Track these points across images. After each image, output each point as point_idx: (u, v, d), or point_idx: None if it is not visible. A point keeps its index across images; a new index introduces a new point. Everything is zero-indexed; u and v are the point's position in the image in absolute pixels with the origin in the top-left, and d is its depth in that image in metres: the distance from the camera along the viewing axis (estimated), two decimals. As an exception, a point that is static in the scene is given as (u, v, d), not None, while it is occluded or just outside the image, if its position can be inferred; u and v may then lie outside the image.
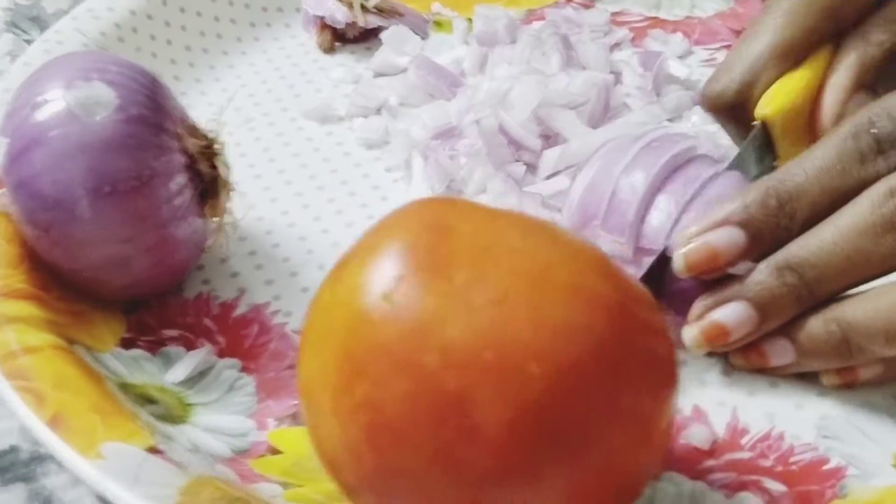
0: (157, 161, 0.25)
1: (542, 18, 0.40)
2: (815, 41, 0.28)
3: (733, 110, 0.28)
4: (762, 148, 0.28)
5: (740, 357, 0.25)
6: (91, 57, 0.26)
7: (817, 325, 0.23)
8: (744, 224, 0.24)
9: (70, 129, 0.24)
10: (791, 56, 0.28)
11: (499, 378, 0.17)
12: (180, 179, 0.25)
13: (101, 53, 0.27)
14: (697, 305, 0.24)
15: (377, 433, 0.18)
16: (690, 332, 0.24)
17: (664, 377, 0.20)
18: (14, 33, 0.41)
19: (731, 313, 0.24)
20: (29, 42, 0.40)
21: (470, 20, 0.40)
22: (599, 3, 0.41)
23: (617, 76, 0.36)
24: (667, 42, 0.39)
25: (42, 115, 0.24)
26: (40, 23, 0.41)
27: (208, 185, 0.27)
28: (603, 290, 0.19)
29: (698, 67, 0.37)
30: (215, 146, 0.27)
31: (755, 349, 0.24)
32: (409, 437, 0.18)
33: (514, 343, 0.18)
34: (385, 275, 0.18)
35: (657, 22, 0.40)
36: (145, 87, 0.25)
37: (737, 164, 0.28)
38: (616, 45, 0.39)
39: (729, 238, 0.24)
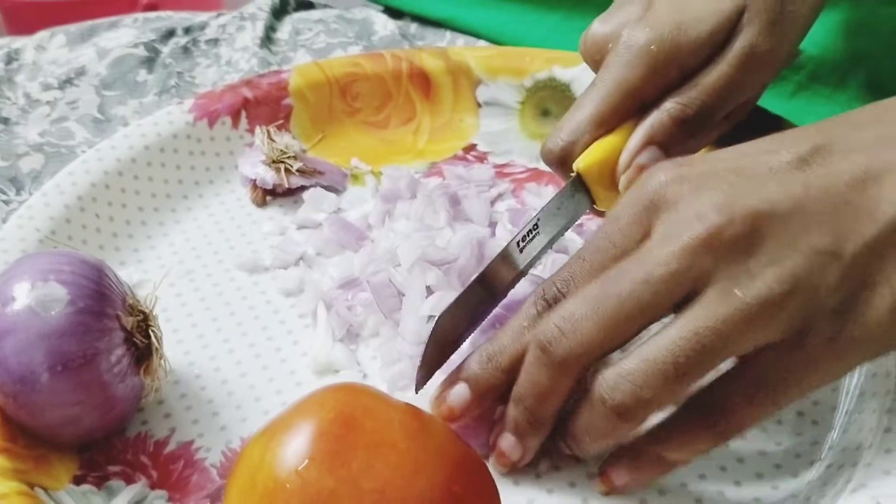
0: (100, 341, 0.32)
1: (440, 172, 0.48)
2: (623, 114, 0.36)
3: (561, 163, 0.37)
4: (579, 192, 0.37)
5: (492, 461, 0.33)
6: (49, 258, 0.33)
7: (561, 442, 0.32)
8: (465, 379, 0.32)
9: (32, 322, 0.31)
10: (603, 125, 0.36)
11: None
12: (119, 352, 0.33)
13: (58, 253, 0.34)
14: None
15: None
16: None
17: None
18: (-5, 194, 0.48)
19: (503, 443, 0.32)
20: (7, 203, 0.47)
21: (380, 174, 0.48)
22: (491, 155, 0.49)
23: (493, 227, 0.44)
24: (539, 195, 0.46)
25: (10, 310, 0.31)
26: (17, 183, 0.48)
27: (143, 350, 0.34)
28: (449, 474, 0.26)
29: (563, 218, 0.45)
30: (149, 319, 0.34)
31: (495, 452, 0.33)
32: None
33: None
34: (300, 453, 0.25)
35: (535, 174, 0.48)
36: (92, 282, 0.33)
37: (556, 201, 0.36)
38: (499, 197, 0.46)
39: (458, 393, 0.32)
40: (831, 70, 0.50)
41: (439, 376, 0.34)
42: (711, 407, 0.29)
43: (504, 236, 0.42)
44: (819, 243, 0.28)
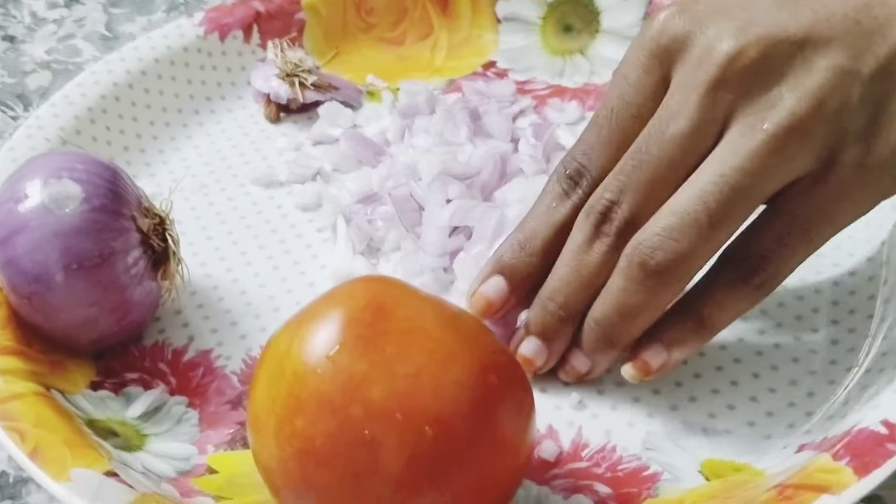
0: (116, 241, 0.31)
1: (460, 88, 0.46)
2: None
3: None
4: None
5: (562, 373, 0.32)
6: (62, 157, 0.32)
7: (586, 331, 0.30)
8: (500, 270, 0.31)
9: (46, 220, 0.30)
10: None
11: (403, 434, 0.23)
12: (136, 253, 0.32)
13: (70, 153, 0.32)
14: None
15: (305, 457, 0.24)
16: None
17: (525, 414, 0.25)
18: (1, 110, 0.47)
19: (526, 347, 0.31)
20: (14, 119, 0.46)
21: (397, 90, 0.46)
22: (511, 73, 0.48)
23: (516, 143, 0.42)
24: (562, 110, 0.45)
25: (23, 208, 0.30)
26: (24, 99, 0.47)
27: (160, 255, 0.33)
28: (486, 362, 0.24)
29: (587, 133, 0.44)
30: (165, 223, 0.33)
31: (564, 366, 0.31)
32: (328, 464, 0.24)
33: (419, 409, 0.23)
34: (330, 339, 0.24)
35: (557, 90, 0.46)
36: (106, 181, 0.31)
37: None
38: (520, 113, 0.45)
39: (494, 285, 0.31)
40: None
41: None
42: (745, 259, 0.28)
43: (528, 152, 0.41)
44: (836, 62, 0.26)
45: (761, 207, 0.29)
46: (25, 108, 0.47)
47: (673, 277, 0.28)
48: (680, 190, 0.28)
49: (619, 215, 0.29)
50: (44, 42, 0.51)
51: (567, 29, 0.49)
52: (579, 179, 0.30)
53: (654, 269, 0.27)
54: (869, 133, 0.27)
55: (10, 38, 0.51)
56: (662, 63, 0.29)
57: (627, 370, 0.30)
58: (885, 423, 0.27)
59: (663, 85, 0.29)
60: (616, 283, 0.29)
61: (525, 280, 0.31)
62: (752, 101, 0.27)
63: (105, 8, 0.53)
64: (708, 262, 0.29)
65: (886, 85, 0.27)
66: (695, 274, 0.28)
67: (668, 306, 0.29)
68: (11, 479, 0.29)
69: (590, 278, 0.29)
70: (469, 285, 0.32)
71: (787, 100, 0.26)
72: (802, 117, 0.26)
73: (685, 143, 0.28)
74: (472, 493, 0.24)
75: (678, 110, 0.28)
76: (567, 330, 0.31)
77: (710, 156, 0.27)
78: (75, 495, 0.26)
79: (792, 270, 0.28)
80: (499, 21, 0.49)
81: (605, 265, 0.29)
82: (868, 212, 0.29)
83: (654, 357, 0.29)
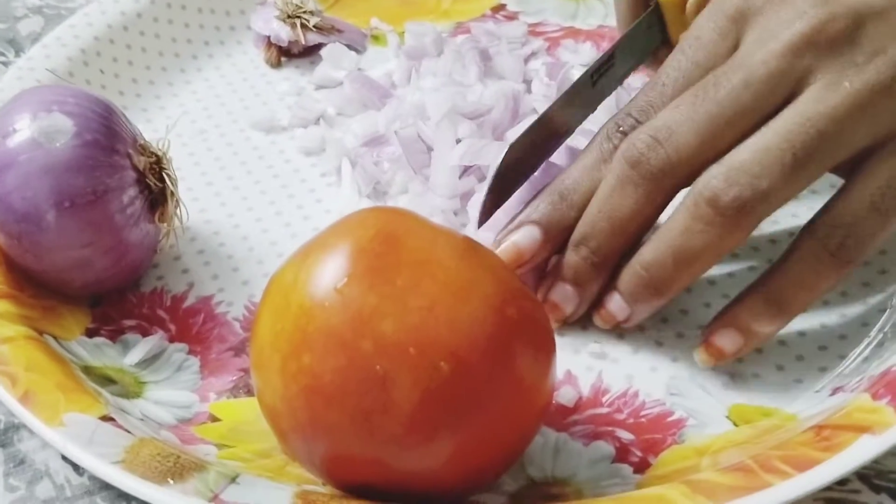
0: (111, 178, 0.29)
1: (468, 31, 0.44)
2: None
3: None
4: (654, 25, 0.34)
5: (597, 318, 0.30)
6: (52, 90, 0.30)
7: (630, 276, 0.28)
8: (536, 220, 0.29)
9: (35, 154, 0.28)
10: None
11: (416, 369, 0.22)
12: (132, 192, 0.30)
13: (61, 87, 0.31)
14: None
15: (312, 394, 0.22)
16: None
17: (545, 354, 0.24)
18: (-8, 56, 0.45)
19: (557, 293, 0.29)
20: (6, 64, 0.45)
21: (403, 34, 0.44)
22: (522, 15, 0.46)
23: (528, 84, 0.40)
24: (577, 51, 0.43)
25: (12, 142, 0.28)
26: (15, 45, 0.46)
27: (157, 195, 0.31)
28: (505, 296, 0.23)
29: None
30: (163, 162, 0.31)
31: (600, 310, 0.29)
32: (336, 402, 0.22)
33: (433, 343, 0.22)
34: (339, 270, 0.22)
35: (571, 32, 0.44)
36: (99, 115, 0.30)
37: (631, 34, 0.34)
38: (532, 55, 0.43)
39: (528, 234, 0.29)
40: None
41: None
42: (833, 228, 0.26)
43: (542, 91, 0.39)
44: None
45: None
46: (17, 54, 0.45)
47: (745, 218, 0.26)
48: (760, 131, 0.26)
49: (661, 155, 0.27)
50: (35, -13, 0.49)
51: (580, -30, 0.47)
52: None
53: (728, 205, 0.26)
54: None
55: (0, -16, 0.49)
56: (739, 26, 0.28)
57: (700, 355, 0.28)
58: (927, 362, 0.25)
59: (736, 50, 0.28)
60: (677, 223, 0.27)
61: (562, 233, 0.29)
62: (837, 60, 0.27)
63: (98, -48, 0.51)
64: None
65: None
66: (765, 218, 0.26)
67: (728, 252, 0.27)
68: (2, 426, 0.27)
69: (622, 223, 0.28)
70: (499, 232, 0.30)
71: (874, 63, 0.26)
72: (888, 77, 0.26)
73: (757, 90, 0.27)
74: (489, 434, 0.23)
75: (757, 57, 0.27)
76: (600, 277, 0.29)
77: (792, 104, 0.27)
78: (69, 441, 0.24)
79: (883, 239, 0.27)
80: (508, -39, 0.47)
81: (640, 211, 0.28)
82: None
83: (729, 343, 0.28)
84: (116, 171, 0.29)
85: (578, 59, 0.42)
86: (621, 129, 0.29)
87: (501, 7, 0.46)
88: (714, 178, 0.26)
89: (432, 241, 0.23)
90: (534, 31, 0.44)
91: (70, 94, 0.30)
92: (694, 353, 0.29)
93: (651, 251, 0.28)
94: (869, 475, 0.25)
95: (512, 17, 0.46)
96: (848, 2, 0.27)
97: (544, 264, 0.30)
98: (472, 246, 0.24)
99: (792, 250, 0.27)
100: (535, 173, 0.32)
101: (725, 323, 0.28)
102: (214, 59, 0.44)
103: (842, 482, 0.25)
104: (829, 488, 0.24)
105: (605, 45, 0.43)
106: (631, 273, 0.28)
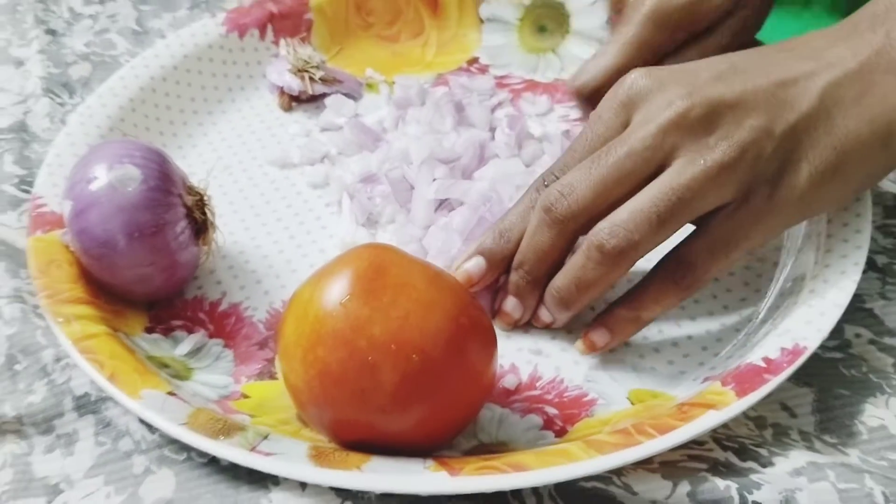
0: (168, 214, 0.38)
1: (447, 82, 0.53)
2: (641, 65, 0.43)
3: (588, 100, 0.46)
4: None
5: (534, 322, 0.39)
6: (122, 145, 0.39)
7: (548, 296, 0.38)
8: (481, 252, 0.39)
9: (112, 197, 0.37)
10: (622, 74, 0.43)
11: (396, 360, 0.31)
12: (182, 224, 0.39)
13: (127, 142, 0.40)
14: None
15: (324, 377, 0.32)
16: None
17: (489, 350, 0.34)
18: (50, 97, 0.53)
19: (506, 304, 0.39)
20: (62, 105, 0.53)
21: (393, 83, 0.53)
22: (492, 68, 0.55)
23: (493, 132, 0.50)
24: (534, 103, 0.52)
25: (94, 187, 0.38)
26: (69, 88, 0.54)
27: (201, 225, 0.40)
28: (459, 309, 0.32)
29: (554, 123, 0.51)
30: (204, 199, 0.41)
31: (535, 317, 0.39)
32: (341, 382, 0.32)
33: (408, 342, 0.31)
34: (342, 290, 0.32)
35: (531, 84, 0.53)
36: (158, 164, 0.39)
37: None
38: (498, 105, 0.52)
39: (475, 264, 0.39)
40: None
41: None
42: (678, 264, 0.36)
43: (503, 140, 0.48)
44: (757, 123, 0.35)
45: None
46: (70, 96, 0.54)
47: (623, 260, 0.36)
48: (637, 195, 0.36)
49: (564, 205, 0.37)
50: (82, 35, 0.58)
51: (541, 29, 0.56)
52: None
53: (610, 251, 0.35)
54: (777, 178, 0.35)
55: (52, 32, 0.58)
56: (629, 110, 0.37)
57: (578, 345, 0.39)
58: (765, 360, 0.35)
59: (627, 125, 0.37)
60: (576, 261, 0.37)
61: (502, 262, 0.39)
62: (695, 142, 0.35)
63: (134, 4, 0.60)
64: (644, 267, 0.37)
65: (792, 143, 0.35)
66: (638, 260, 0.36)
67: (613, 283, 0.37)
68: (94, 398, 0.37)
69: (544, 254, 0.38)
70: (455, 261, 0.40)
71: (721, 146, 0.35)
72: (730, 158, 0.35)
73: (635, 159, 0.36)
74: (447, 405, 0.32)
75: (637, 135, 0.36)
76: (534, 291, 0.39)
77: (661, 176, 0.35)
78: (147, 409, 0.34)
79: (713, 275, 0.37)
80: (482, 21, 0.56)
81: (555, 246, 0.37)
82: (776, 236, 0.38)
83: (599, 338, 0.38)
84: (171, 209, 0.39)
85: (535, 110, 0.51)
86: (546, 183, 0.39)
87: (475, 60, 0.55)
88: (602, 231, 0.36)
89: (409, 270, 0.33)
90: (500, 83, 0.54)
91: (136, 149, 0.39)
92: (575, 344, 0.39)
93: (560, 279, 0.37)
94: (720, 437, 0.34)
95: (483, 69, 0.55)
96: (706, 94, 0.35)
97: (495, 283, 0.40)
98: (436, 272, 0.33)
99: (649, 276, 0.37)
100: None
101: (599, 324, 0.38)
102: (236, 103, 0.53)
103: (699, 442, 0.34)
104: (689, 446, 0.34)
105: (558, 98, 0.53)
106: (548, 293, 0.38)
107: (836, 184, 0.36)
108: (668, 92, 0.36)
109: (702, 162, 0.35)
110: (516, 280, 0.39)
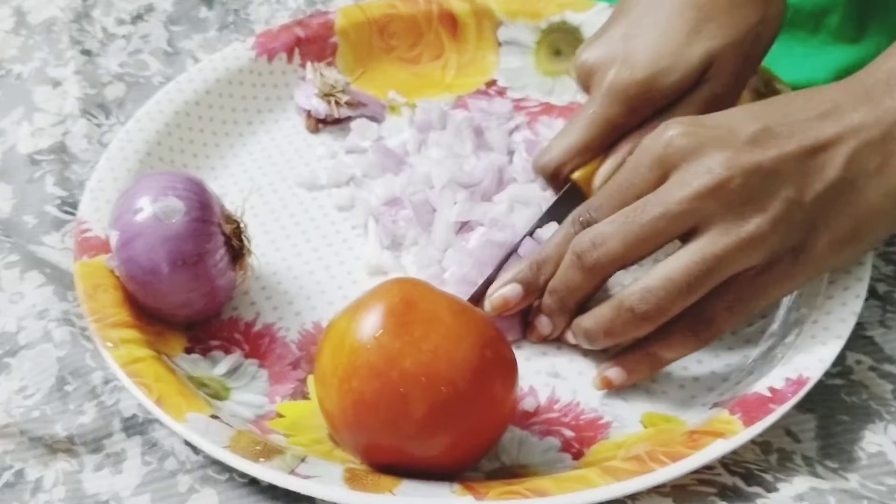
0: (208, 244, 0.41)
1: (466, 105, 0.55)
2: (606, 142, 0.46)
3: (553, 178, 0.48)
4: (574, 197, 0.46)
5: (530, 336, 0.42)
6: (165, 178, 0.42)
7: (576, 327, 0.41)
8: (520, 281, 0.42)
9: (156, 227, 0.40)
10: (588, 152, 0.46)
11: (425, 391, 0.33)
12: (221, 251, 0.42)
13: (170, 174, 0.42)
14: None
15: (359, 406, 0.34)
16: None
17: (511, 380, 0.36)
18: (87, 118, 0.55)
19: (539, 320, 0.42)
20: (98, 126, 0.55)
21: (414, 106, 0.56)
22: (509, 90, 0.57)
23: (511, 155, 0.52)
24: (550, 126, 0.54)
25: (139, 218, 0.40)
26: (105, 109, 0.56)
27: (237, 251, 0.43)
28: (485, 342, 0.35)
29: (571, 147, 0.53)
30: (241, 227, 0.43)
31: (561, 336, 0.42)
32: (374, 411, 0.34)
33: (437, 374, 0.34)
34: (375, 324, 0.34)
35: (548, 108, 0.55)
36: (199, 196, 0.41)
37: (554, 207, 0.46)
38: (516, 128, 0.54)
39: (512, 290, 0.41)
40: (807, 17, 0.57)
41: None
42: (700, 317, 0.38)
43: (521, 164, 0.50)
44: (790, 195, 0.37)
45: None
46: (106, 117, 0.56)
47: (651, 322, 0.38)
48: (670, 261, 0.37)
49: (595, 255, 0.39)
50: (116, 56, 0.60)
51: (557, 53, 0.58)
52: (587, 226, 0.40)
53: (639, 315, 0.38)
54: (800, 247, 0.37)
55: (87, 52, 0.60)
56: (665, 167, 0.38)
57: (595, 382, 0.41)
58: (770, 389, 0.37)
59: (662, 180, 0.39)
60: (606, 314, 0.39)
61: (536, 290, 0.42)
62: (730, 211, 0.37)
63: (165, 25, 0.62)
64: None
65: (818, 212, 0.37)
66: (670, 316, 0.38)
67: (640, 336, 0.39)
68: (140, 420, 0.39)
69: (574, 290, 0.40)
70: (493, 287, 0.42)
71: (755, 219, 0.37)
72: (764, 232, 0.37)
73: (669, 220, 0.37)
74: (472, 432, 0.35)
75: (674, 198, 0.37)
76: (564, 315, 0.41)
77: (694, 243, 0.37)
78: (192, 432, 0.36)
79: (731, 329, 0.39)
80: (500, 44, 0.58)
81: (583, 286, 0.40)
82: (790, 294, 0.41)
83: (616, 376, 0.40)
84: (212, 238, 0.41)
85: (552, 134, 0.53)
86: (581, 219, 0.41)
87: (493, 82, 0.57)
88: (633, 295, 0.38)
89: (437, 304, 0.35)
90: (518, 105, 0.56)
91: (178, 181, 0.41)
92: (593, 380, 0.41)
93: (589, 322, 0.40)
94: (728, 463, 0.37)
95: (502, 91, 0.57)
96: (744, 162, 0.37)
97: (526, 310, 0.42)
98: (462, 306, 0.36)
99: (669, 324, 0.39)
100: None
101: (617, 362, 0.40)
102: (265, 124, 0.55)
103: (708, 467, 0.36)
104: (698, 470, 0.36)
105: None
106: (577, 328, 0.41)
107: (851, 248, 0.38)
108: (707, 157, 0.37)
109: (736, 233, 0.36)
110: (549, 303, 0.41)
